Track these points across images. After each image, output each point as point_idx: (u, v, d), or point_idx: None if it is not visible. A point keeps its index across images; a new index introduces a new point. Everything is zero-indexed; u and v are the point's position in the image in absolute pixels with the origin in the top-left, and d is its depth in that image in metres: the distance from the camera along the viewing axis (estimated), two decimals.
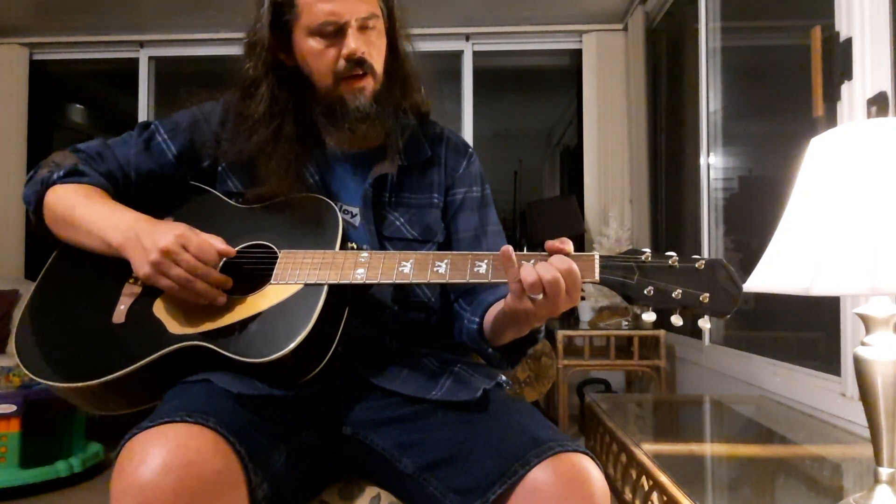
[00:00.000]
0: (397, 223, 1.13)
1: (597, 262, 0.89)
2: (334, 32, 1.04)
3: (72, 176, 1.08)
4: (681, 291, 0.85)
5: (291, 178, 1.08)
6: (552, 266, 0.86)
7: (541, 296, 0.86)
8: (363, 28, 1.05)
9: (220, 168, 1.15)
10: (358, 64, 1.05)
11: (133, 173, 1.13)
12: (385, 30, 1.10)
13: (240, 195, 1.13)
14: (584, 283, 0.88)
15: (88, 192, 1.07)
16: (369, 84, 1.07)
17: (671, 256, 0.88)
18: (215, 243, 0.98)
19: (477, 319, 1.07)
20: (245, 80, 1.10)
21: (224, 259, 1.00)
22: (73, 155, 1.12)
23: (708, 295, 0.85)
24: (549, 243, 0.89)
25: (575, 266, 0.86)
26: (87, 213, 1.03)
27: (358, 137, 1.11)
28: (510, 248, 0.88)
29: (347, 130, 1.08)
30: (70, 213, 1.05)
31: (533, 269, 0.86)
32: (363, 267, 0.96)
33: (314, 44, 1.05)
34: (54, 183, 1.08)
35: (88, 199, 1.05)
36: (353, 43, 1.03)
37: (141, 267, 0.95)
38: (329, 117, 1.09)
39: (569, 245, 0.89)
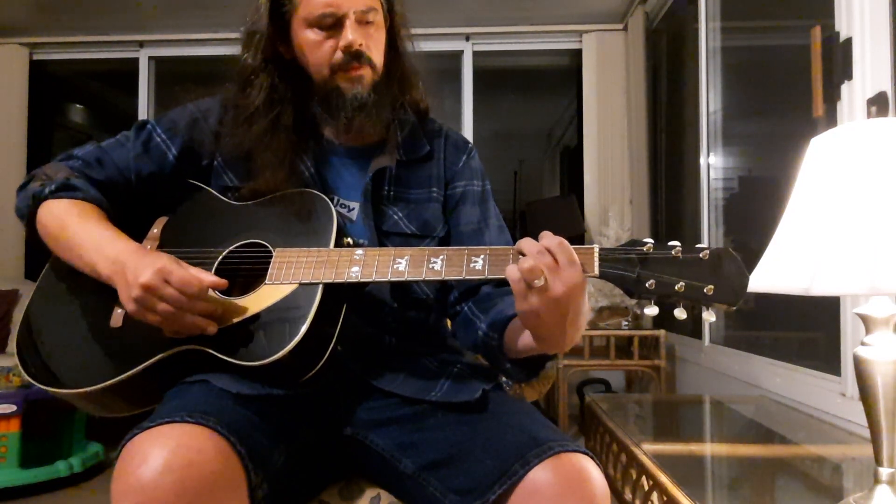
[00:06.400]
0: (395, 217, 1.13)
1: (596, 254, 0.85)
2: (332, 24, 1.04)
3: (63, 191, 1.05)
4: (684, 284, 0.81)
5: (286, 170, 1.07)
6: (538, 244, 0.84)
7: (541, 280, 0.81)
8: (362, 21, 1.05)
9: (216, 163, 1.14)
10: (355, 57, 1.05)
11: (133, 177, 1.12)
12: (385, 26, 1.10)
13: (235, 190, 1.12)
14: (585, 276, 0.84)
15: (81, 210, 1.04)
16: (367, 73, 1.07)
17: (674, 247, 0.83)
18: (202, 276, 0.94)
19: (496, 335, 1.03)
20: (244, 70, 1.10)
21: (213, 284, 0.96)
22: (64, 167, 1.09)
23: (713, 287, 0.81)
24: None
25: (562, 239, 0.83)
26: (78, 238, 1.01)
27: (356, 131, 1.10)
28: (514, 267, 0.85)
29: (344, 120, 1.08)
30: (63, 234, 1.02)
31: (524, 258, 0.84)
32: (358, 265, 0.95)
33: (312, 35, 1.05)
34: (46, 198, 1.05)
35: (81, 219, 1.02)
36: (350, 35, 1.03)
37: (127, 304, 0.93)
38: (326, 108, 1.09)
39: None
